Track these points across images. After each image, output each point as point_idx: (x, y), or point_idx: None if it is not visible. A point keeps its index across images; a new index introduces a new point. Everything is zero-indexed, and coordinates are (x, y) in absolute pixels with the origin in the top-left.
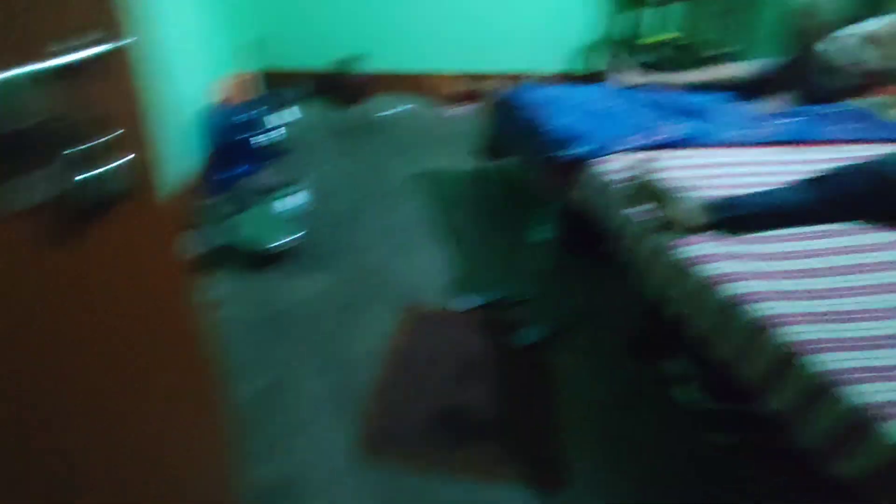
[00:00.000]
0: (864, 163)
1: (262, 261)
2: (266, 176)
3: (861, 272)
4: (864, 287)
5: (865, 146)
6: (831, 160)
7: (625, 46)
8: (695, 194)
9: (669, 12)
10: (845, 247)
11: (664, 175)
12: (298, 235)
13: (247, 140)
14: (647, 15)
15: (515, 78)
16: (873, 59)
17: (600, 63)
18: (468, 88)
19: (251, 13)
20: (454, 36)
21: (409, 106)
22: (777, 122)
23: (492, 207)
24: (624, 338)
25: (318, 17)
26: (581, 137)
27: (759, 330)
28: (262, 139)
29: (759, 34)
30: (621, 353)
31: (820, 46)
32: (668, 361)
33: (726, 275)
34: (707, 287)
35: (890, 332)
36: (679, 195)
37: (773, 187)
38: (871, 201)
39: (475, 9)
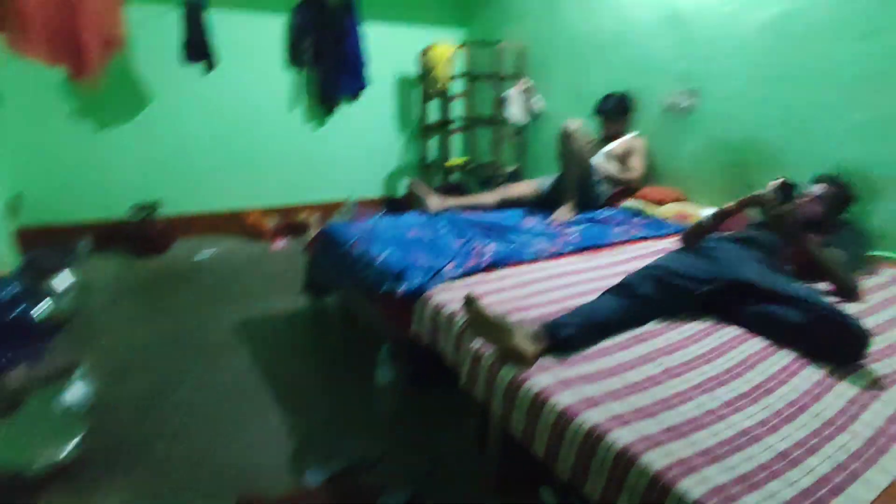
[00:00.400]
0: (651, 266)
1: (32, 486)
2: (33, 366)
3: (675, 376)
4: (680, 393)
5: (644, 243)
6: (623, 262)
7: (433, 170)
8: (518, 318)
9: (463, 138)
10: (651, 352)
11: (488, 303)
12: (82, 439)
13: (4, 321)
14: (451, 140)
15: (334, 206)
16: (618, 171)
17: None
18: (287, 222)
19: (7, 166)
20: (265, 170)
21: (221, 248)
22: (569, 230)
23: (331, 350)
24: (492, 475)
25: (103, 163)
26: (406, 271)
27: (615, 463)
28: (26, 317)
29: (537, 153)
30: (493, 492)
31: (591, 161)
32: (544, 491)
33: (568, 408)
34: (553, 423)
35: (723, 436)
36: (507, 325)
37: (585, 299)
38: (663, 299)
39: (285, 142)
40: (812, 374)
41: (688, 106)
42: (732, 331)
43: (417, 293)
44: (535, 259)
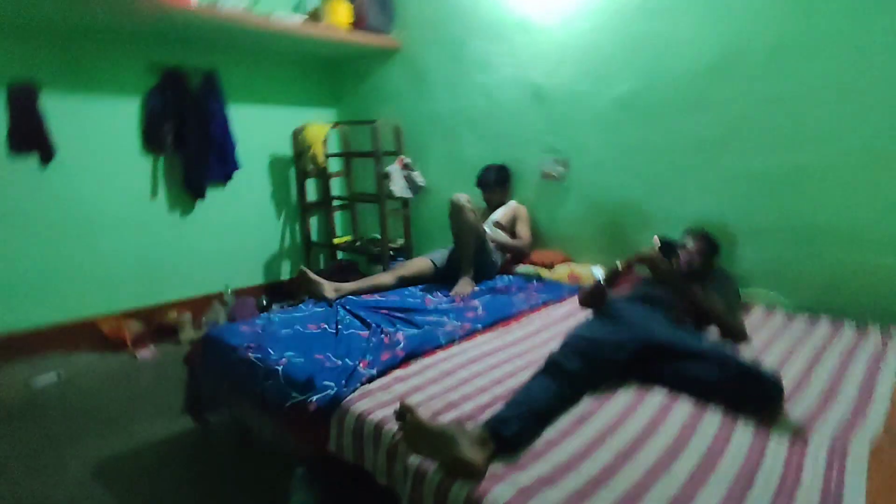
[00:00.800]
0: (572, 339)
1: None
2: None
3: (629, 459)
4: (642, 481)
5: (548, 309)
6: (536, 332)
7: (317, 250)
8: (453, 417)
9: (347, 216)
10: (597, 435)
11: (414, 405)
12: None
13: None
14: (334, 218)
15: (210, 300)
16: (507, 238)
17: (295, 269)
18: (154, 325)
19: None
20: (123, 267)
21: (69, 367)
22: (473, 303)
23: (226, 482)
24: None
25: None
26: (314, 377)
27: None
28: None
29: (423, 227)
30: None
31: (480, 230)
32: None
33: None
34: None
35: None
36: (450, 433)
37: (514, 381)
38: (592, 372)
39: (145, 235)
40: (746, 432)
41: (560, 174)
42: (658, 395)
43: (332, 404)
44: (450, 342)
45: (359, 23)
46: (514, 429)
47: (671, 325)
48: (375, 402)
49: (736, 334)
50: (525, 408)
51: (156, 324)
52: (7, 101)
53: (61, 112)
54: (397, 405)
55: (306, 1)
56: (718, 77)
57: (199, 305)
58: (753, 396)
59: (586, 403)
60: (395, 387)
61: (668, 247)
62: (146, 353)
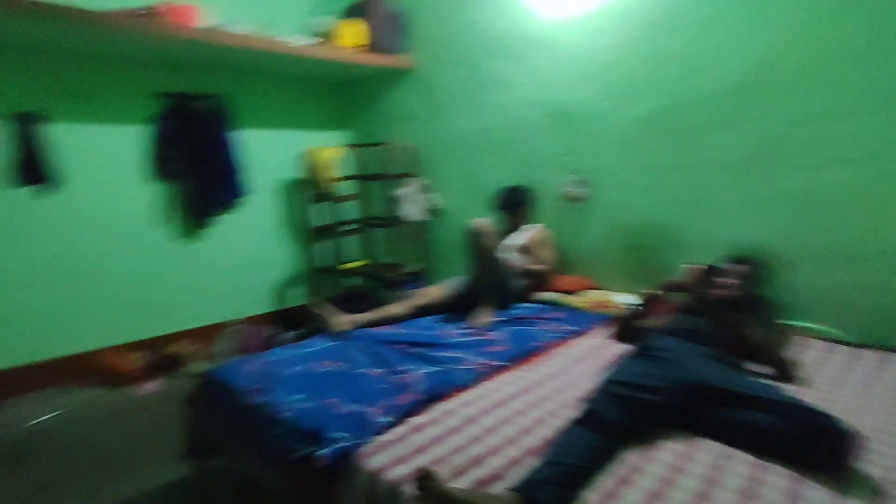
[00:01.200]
0: (609, 382)
1: None
2: None
3: None
4: None
5: (575, 342)
6: (565, 371)
7: (327, 275)
8: (478, 474)
9: (359, 240)
10: (646, 499)
11: (435, 458)
12: None
13: None
14: (345, 243)
15: (216, 329)
16: (528, 263)
17: (304, 296)
18: (158, 357)
19: None
20: (126, 297)
21: (69, 404)
22: (493, 334)
23: None
24: None
25: None
26: (322, 427)
27: None
28: None
29: (441, 252)
30: None
31: (499, 255)
32: None
33: None
34: None
35: None
36: (478, 503)
37: (543, 430)
38: (633, 421)
39: (150, 263)
40: (818, 493)
41: (582, 195)
42: (710, 448)
43: (342, 459)
44: (470, 383)
45: (371, 44)
46: (551, 494)
47: (719, 363)
48: (390, 456)
49: (785, 371)
50: (561, 467)
51: (161, 355)
52: (14, 133)
53: (66, 140)
54: (415, 468)
55: (317, 23)
56: (749, 93)
57: (205, 335)
58: (824, 451)
59: (629, 458)
60: (412, 437)
61: (706, 272)
62: (150, 386)
